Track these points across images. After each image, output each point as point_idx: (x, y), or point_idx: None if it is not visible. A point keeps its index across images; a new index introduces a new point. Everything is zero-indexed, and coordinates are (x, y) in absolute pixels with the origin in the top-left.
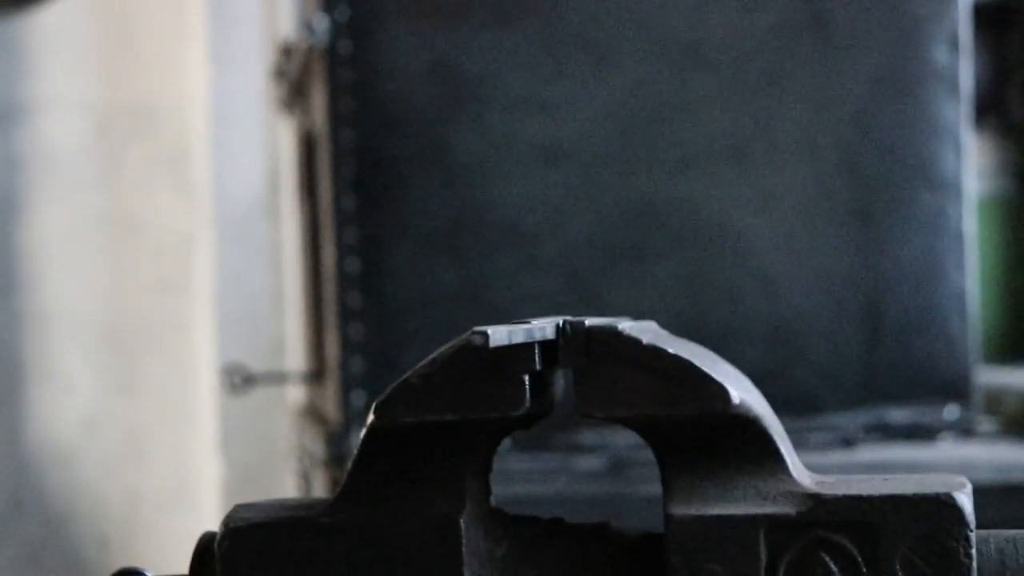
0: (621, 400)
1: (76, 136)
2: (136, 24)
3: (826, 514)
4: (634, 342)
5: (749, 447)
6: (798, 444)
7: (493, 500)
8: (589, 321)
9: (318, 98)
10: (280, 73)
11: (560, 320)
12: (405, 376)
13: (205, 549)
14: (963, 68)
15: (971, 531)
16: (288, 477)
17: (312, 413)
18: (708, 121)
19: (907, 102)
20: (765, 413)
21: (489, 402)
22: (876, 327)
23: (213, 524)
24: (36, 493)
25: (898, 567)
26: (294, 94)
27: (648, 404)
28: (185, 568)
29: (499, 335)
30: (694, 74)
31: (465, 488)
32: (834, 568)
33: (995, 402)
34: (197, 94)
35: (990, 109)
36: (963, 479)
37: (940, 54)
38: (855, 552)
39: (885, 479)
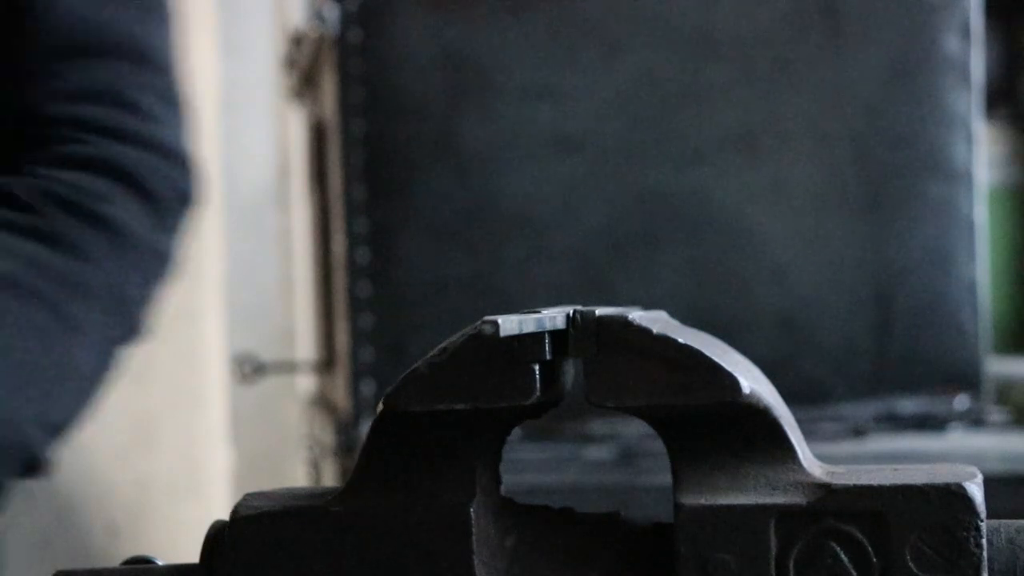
0: (631, 389)
1: None
2: None
3: (836, 504)
4: (644, 331)
5: (759, 437)
6: (808, 434)
7: (503, 489)
8: (599, 310)
9: (328, 87)
10: (290, 62)
11: (570, 309)
12: (415, 365)
13: (216, 538)
14: (974, 57)
15: (982, 521)
16: (298, 466)
17: (322, 402)
18: (718, 111)
19: (918, 91)
20: (775, 403)
21: (499, 391)
22: (886, 317)
23: (223, 513)
24: (46, 481)
25: (908, 557)
26: (304, 83)
27: (658, 394)
28: (195, 556)
29: (510, 324)
30: (704, 64)
31: (475, 477)
32: (844, 558)
33: (1005, 392)
34: (207, 82)
35: (1001, 98)
36: (973, 469)
37: (951, 43)
38: (865, 542)
39: (895, 469)
